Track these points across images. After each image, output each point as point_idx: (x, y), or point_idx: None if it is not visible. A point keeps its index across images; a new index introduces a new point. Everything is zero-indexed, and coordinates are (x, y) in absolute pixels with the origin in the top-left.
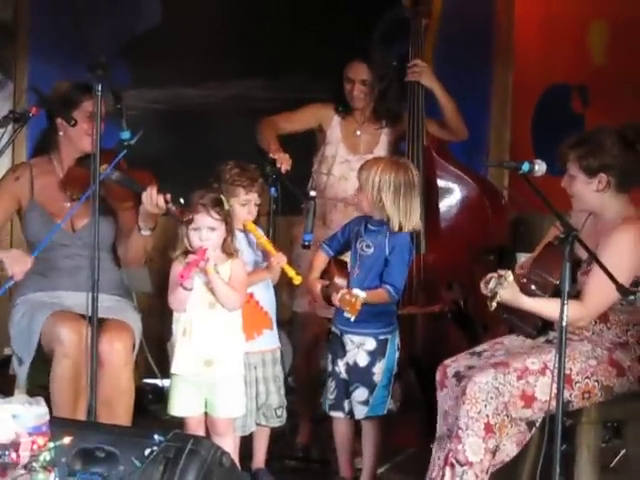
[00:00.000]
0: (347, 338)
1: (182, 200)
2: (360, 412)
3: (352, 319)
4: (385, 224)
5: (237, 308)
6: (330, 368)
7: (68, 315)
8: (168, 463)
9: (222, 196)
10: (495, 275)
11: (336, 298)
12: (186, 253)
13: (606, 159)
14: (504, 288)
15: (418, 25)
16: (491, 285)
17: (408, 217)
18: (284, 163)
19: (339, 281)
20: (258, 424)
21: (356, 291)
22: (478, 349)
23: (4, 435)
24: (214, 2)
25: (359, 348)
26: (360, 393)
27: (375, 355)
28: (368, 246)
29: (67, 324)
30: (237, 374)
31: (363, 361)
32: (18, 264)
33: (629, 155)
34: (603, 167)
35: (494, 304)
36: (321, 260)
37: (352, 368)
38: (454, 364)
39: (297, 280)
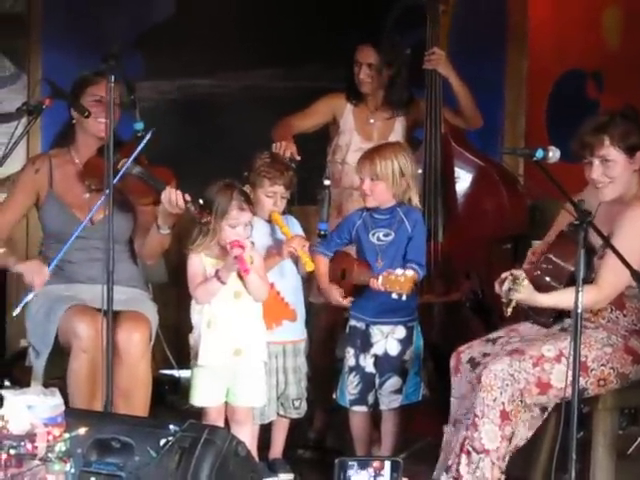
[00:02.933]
0: (375, 329)
1: (201, 201)
2: (393, 402)
3: (404, 298)
4: (397, 207)
5: (265, 297)
6: (353, 363)
7: (85, 309)
8: (184, 453)
9: (246, 189)
10: (509, 276)
11: (377, 284)
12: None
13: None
14: (518, 292)
15: (435, 11)
16: (505, 287)
17: (418, 196)
18: (287, 149)
19: (363, 269)
20: (278, 414)
21: (399, 270)
22: (493, 336)
23: (19, 426)
24: None
25: (388, 337)
26: (393, 383)
27: (405, 342)
28: (387, 234)
29: (84, 319)
30: (261, 363)
31: (394, 350)
32: (37, 276)
33: None
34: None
35: (509, 310)
36: (323, 265)
37: (382, 359)
38: (468, 350)
39: (309, 267)
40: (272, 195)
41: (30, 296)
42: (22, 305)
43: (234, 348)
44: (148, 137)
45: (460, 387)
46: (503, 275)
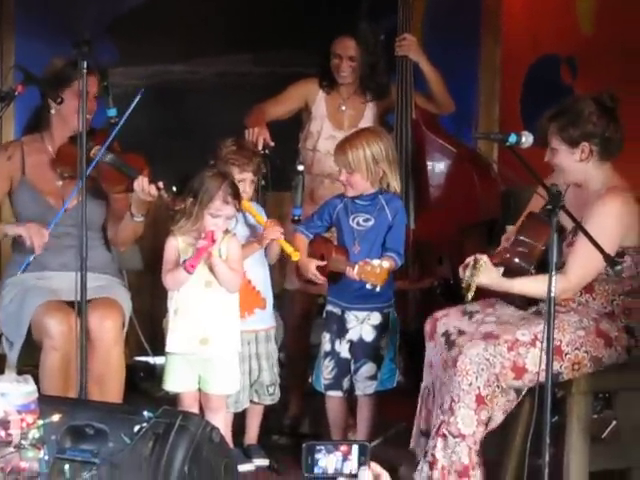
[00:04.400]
0: (351, 315)
1: (174, 188)
2: (368, 388)
3: (378, 289)
4: (379, 193)
5: (237, 289)
6: (328, 348)
7: (57, 306)
8: (157, 439)
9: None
10: (471, 261)
11: (352, 272)
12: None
13: (587, 127)
14: (478, 277)
15: None
16: (467, 273)
17: (398, 180)
18: (260, 135)
19: (340, 256)
20: (251, 401)
21: (376, 261)
22: (470, 308)
23: None
24: None
25: (364, 323)
26: (367, 369)
27: (380, 329)
28: (367, 220)
29: (55, 315)
30: (233, 352)
31: (369, 336)
32: (37, 238)
33: (609, 122)
34: (584, 136)
35: (470, 295)
36: (302, 242)
37: (357, 344)
38: (444, 319)
39: (295, 256)
40: (240, 181)
41: (31, 258)
42: (24, 267)
43: (200, 337)
44: (121, 123)
45: (431, 354)
46: (467, 260)
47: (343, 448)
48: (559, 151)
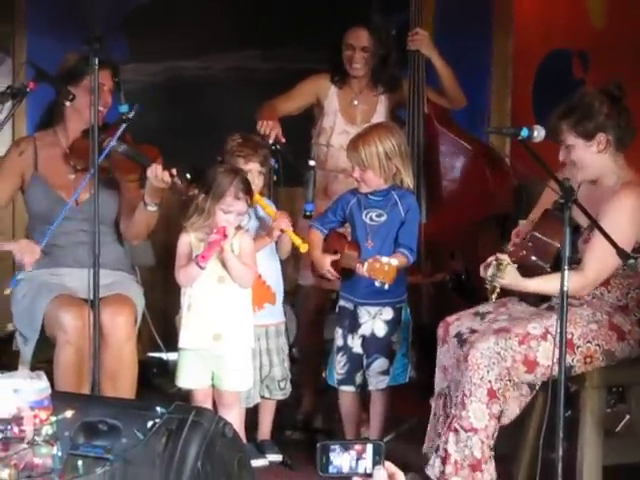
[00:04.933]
0: (363, 310)
1: (189, 175)
2: (380, 383)
3: (386, 287)
4: (392, 189)
5: (250, 285)
6: (341, 343)
7: (71, 300)
8: (170, 435)
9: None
10: (494, 261)
11: (362, 269)
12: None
13: (600, 119)
14: (502, 278)
15: None
16: (490, 272)
17: (411, 175)
18: (273, 130)
19: (352, 253)
20: (262, 397)
21: (385, 258)
22: (482, 309)
23: (6, 410)
24: None
25: (375, 318)
26: (380, 364)
27: (392, 324)
28: (379, 215)
29: (70, 310)
30: (246, 348)
31: (381, 331)
32: (27, 254)
33: (620, 111)
34: (599, 127)
35: (494, 297)
36: (317, 237)
37: (369, 340)
38: (457, 322)
39: (303, 248)
40: (248, 173)
41: (21, 276)
42: (14, 285)
43: (213, 333)
44: (133, 113)
45: (444, 358)
46: (489, 259)
47: (357, 447)
48: (575, 147)
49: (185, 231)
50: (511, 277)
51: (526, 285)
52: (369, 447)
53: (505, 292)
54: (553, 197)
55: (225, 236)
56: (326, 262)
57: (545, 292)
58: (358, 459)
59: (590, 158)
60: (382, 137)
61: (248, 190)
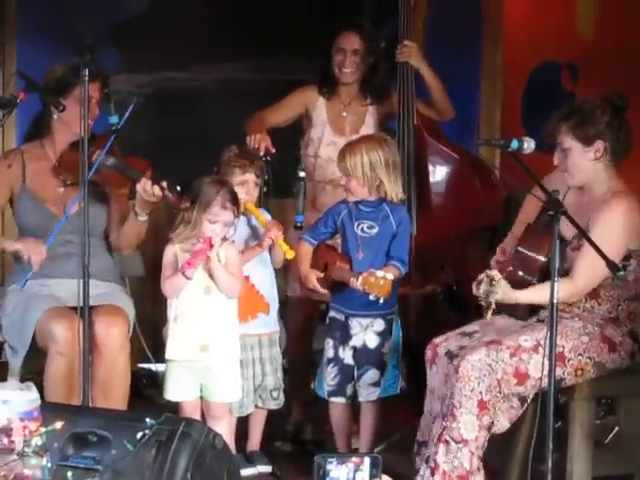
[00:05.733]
0: (355, 321)
1: (179, 187)
2: (371, 394)
3: (381, 301)
4: (382, 201)
5: (237, 295)
6: (332, 354)
7: (62, 312)
8: (160, 446)
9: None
10: (485, 277)
11: (356, 283)
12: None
13: (600, 126)
14: (496, 292)
15: (407, 3)
16: (482, 289)
17: (399, 188)
18: (262, 142)
19: (343, 265)
20: (255, 406)
21: (380, 272)
22: (468, 329)
23: None
24: None
25: (367, 330)
26: (371, 375)
27: (384, 335)
28: (371, 227)
29: (61, 321)
30: (233, 359)
31: (372, 342)
32: (35, 253)
33: (622, 122)
34: (599, 134)
35: (489, 313)
36: (306, 251)
37: (360, 351)
38: (444, 343)
39: (290, 255)
40: (243, 183)
41: (29, 275)
42: (22, 284)
43: (200, 344)
44: (122, 122)
45: (433, 380)
46: (480, 277)
47: (355, 460)
48: (572, 150)
49: (171, 242)
50: (504, 292)
51: (517, 297)
52: (366, 460)
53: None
54: (534, 208)
55: (211, 246)
56: (312, 278)
57: (536, 302)
58: (355, 472)
59: (584, 164)
60: (369, 148)
61: (235, 200)
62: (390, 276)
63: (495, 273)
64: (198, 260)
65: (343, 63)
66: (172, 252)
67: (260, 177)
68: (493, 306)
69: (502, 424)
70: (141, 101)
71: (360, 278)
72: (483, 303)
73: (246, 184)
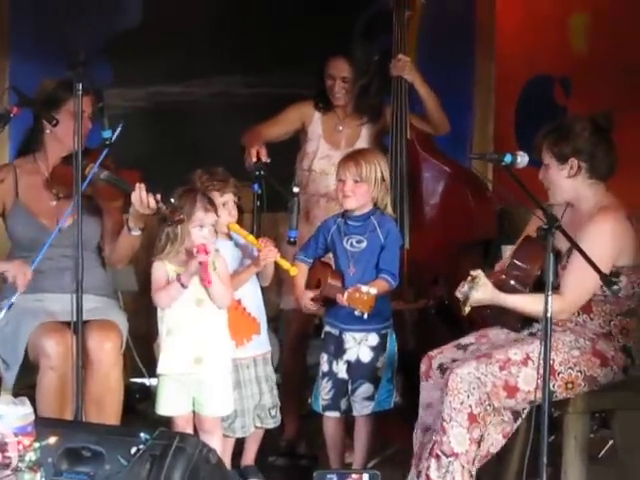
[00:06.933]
0: (348, 336)
1: (172, 200)
2: (365, 408)
3: (365, 316)
4: (371, 214)
5: (227, 304)
6: (326, 368)
7: (54, 327)
8: (155, 461)
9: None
10: (468, 277)
11: (342, 299)
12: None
13: (576, 143)
14: (476, 290)
15: (401, 18)
16: (464, 288)
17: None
18: (259, 150)
19: (334, 282)
20: (255, 426)
21: (364, 287)
22: (464, 341)
23: None
24: (196, 0)
25: (361, 344)
26: (365, 389)
27: (378, 350)
28: (359, 241)
29: (53, 336)
30: (226, 371)
31: (366, 357)
32: (21, 277)
33: (600, 141)
34: (573, 152)
35: (467, 309)
36: (302, 271)
37: (354, 365)
38: (439, 356)
39: (293, 271)
40: (224, 204)
41: (14, 298)
42: (7, 307)
43: (195, 356)
44: (115, 138)
45: (428, 394)
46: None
47: (354, 476)
48: (550, 167)
49: (159, 259)
50: (485, 291)
51: (504, 301)
52: (365, 477)
53: (486, 322)
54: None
55: (207, 252)
56: (306, 300)
57: (522, 309)
58: None
59: (561, 181)
60: (380, 160)
61: (212, 202)
62: (374, 291)
63: (478, 272)
64: (209, 271)
65: (333, 89)
66: (162, 268)
67: (237, 195)
68: (470, 302)
69: (496, 439)
70: (134, 115)
71: (345, 294)
72: (460, 297)
73: (226, 205)
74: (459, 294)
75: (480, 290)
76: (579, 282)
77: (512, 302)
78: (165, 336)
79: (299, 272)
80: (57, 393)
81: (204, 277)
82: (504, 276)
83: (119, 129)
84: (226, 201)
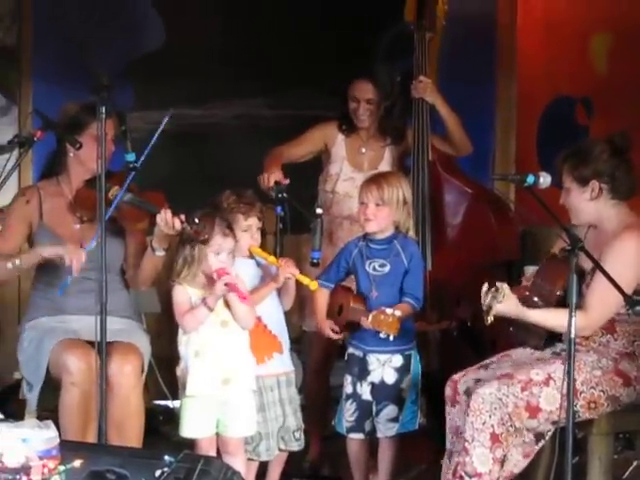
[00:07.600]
0: (373, 357)
1: (197, 220)
2: (389, 430)
3: (391, 338)
4: (393, 239)
5: (252, 325)
6: (350, 390)
7: (76, 343)
8: None
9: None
10: (493, 288)
11: (367, 322)
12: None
13: (597, 166)
14: (499, 302)
15: (422, 40)
16: (488, 298)
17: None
18: (272, 177)
19: (357, 306)
20: (279, 449)
21: (389, 310)
22: (486, 362)
23: (14, 459)
24: (217, 22)
25: (385, 366)
26: (389, 411)
27: (402, 371)
28: (382, 265)
29: (75, 352)
30: (250, 391)
31: (390, 378)
32: (76, 258)
33: (619, 162)
34: (594, 174)
35: (490, 318)
36: (323, 298)
37: (378, 387)
38: (463, 379)
39: (313, 286)
40: (247, 229)
41: (69, 280)
42: (63, 288)
43: (223, 377)
44: (137, 164)
45: (455, 418)
46: (487, 287)
47: None
48: (571, 190)
49: (178, 283)
50: (509, 304)
51: (527, 315)
52: None
53: (510, 343)
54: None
55: (228, 275)
56: (327, 330)
57: (544, 324)
58: None
59: (583, 204)
60: (402, 183)
61: (230, 226)
62: (398, 313)
63: (502, 284)
64: (242, 288)
65: (357, 111)
66: (183, 291)
67: (261, 220)
68: (493, 311)
69: (516, 459)
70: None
71: (370, 317)
72: (484, 307)
73: (250, 229)
74: (483, 304)
75: (504, 302)
76: (603, 300)
77: (534, 316)
78: (193, 358)
79: (320, 298)
80: (80, 410)
81: (239, 295)
82: (528, 292)
83: (144, 156)
84: (250, 225)
